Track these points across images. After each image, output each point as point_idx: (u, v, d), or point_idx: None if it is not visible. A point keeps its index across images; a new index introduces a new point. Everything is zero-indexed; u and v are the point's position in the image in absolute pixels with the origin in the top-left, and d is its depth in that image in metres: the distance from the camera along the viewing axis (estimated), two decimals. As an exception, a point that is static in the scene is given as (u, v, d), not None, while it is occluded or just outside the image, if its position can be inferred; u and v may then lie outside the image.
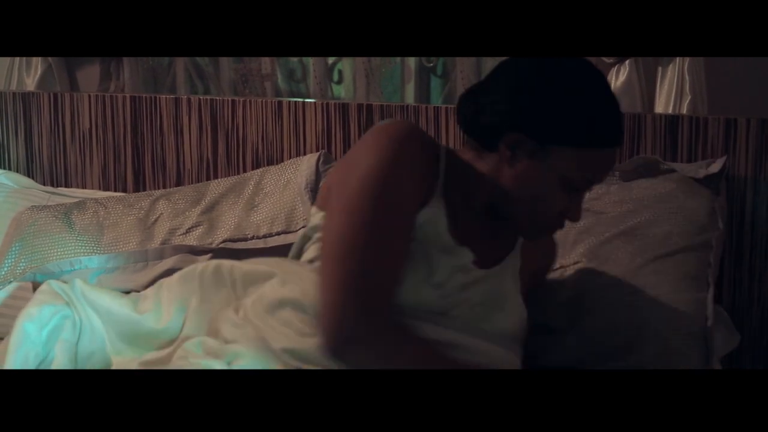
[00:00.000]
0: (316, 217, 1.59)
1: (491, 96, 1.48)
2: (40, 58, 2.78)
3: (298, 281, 1.53)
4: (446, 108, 2.22)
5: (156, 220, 2.23)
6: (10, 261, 2.17)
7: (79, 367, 1.67)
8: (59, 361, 1.67)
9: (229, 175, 2.37)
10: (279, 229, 2.14)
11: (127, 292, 2.13)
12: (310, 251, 1.60)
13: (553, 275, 1.86)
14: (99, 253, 2.17)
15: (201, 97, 2.42)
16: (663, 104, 2.25)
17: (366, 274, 1.40)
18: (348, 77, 2.82)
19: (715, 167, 1.93)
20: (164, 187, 2.45)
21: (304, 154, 2.30)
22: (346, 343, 1.38)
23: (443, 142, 2.20)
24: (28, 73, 2.80)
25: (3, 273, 2.16)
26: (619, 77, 2.27)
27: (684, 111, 2.19)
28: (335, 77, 2.85)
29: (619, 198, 1.95)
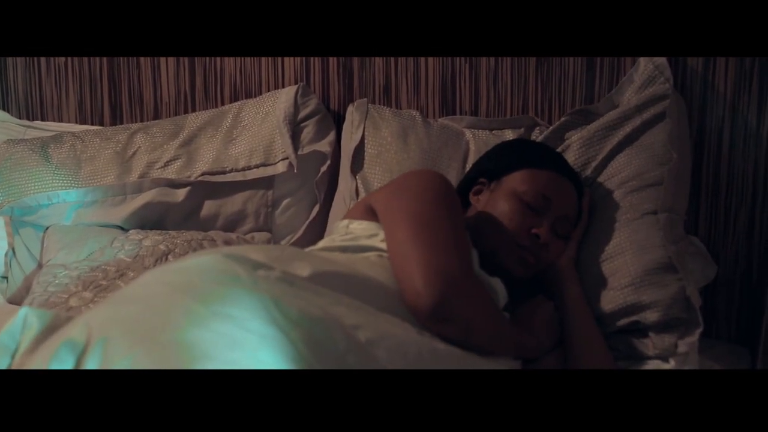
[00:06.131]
0: (358, 226, 1.62)
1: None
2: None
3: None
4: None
5: (134, 154, 2.22)
6: (-13, 195, 2.16)
7: None
8: None
9: (207, 108, 2.35)
10: (257, 162, 2.14)
11: (107, 226, 2.14)
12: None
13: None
14: (77, 187, 2.16)
15: (178, 29, 2.39)
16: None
17: (458, 243, 1.51)
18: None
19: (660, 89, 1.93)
20: (141, 120, 2.43)
21: (283, 86, 2.29)
22: (456, 295, 1.43)
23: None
24: (1, 4, 2.76)
25: (-20, 207, 2.15)
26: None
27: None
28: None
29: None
